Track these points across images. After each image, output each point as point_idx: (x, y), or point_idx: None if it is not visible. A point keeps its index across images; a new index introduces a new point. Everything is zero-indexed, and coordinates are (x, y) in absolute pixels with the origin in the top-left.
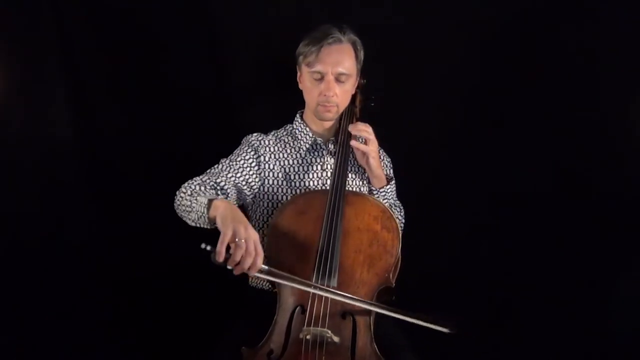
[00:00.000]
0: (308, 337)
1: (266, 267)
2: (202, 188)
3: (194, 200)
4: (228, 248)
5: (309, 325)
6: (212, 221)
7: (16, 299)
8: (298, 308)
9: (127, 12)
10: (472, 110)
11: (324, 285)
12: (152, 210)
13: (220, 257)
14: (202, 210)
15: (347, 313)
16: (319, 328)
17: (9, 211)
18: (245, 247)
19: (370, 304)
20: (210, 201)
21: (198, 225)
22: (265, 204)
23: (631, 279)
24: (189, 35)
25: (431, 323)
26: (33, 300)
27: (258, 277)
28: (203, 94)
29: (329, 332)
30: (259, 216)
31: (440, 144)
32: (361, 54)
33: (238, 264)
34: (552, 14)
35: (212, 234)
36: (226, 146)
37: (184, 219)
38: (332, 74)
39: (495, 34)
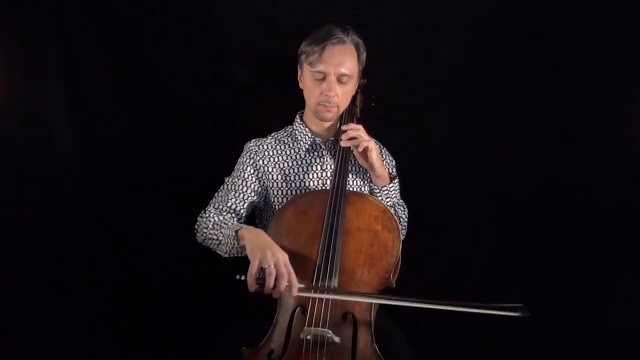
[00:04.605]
0: (309, 337)
1: (303, 286)
2: (220, 217)
3: (219, 233)
4: (262, 275)
5: (309, 325)
6: (244, 249)
7: (16, 300)
8: (298, 308)
9: (127, 13)
10: (472, 110)
11: (324, 286)
12: (152, 211)
13: (251, 287)
14: (232, 243)
15: (347, 313)
16: (319, 328)
17: (9, 212)
18: (275, 272)
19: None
20: (236, 232)
21: (232, 255)
22: (269, 207)
23: (631, 279)
24: (189, 36)
25: (499, 310)
26: (33, 301)
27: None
28: (203, 94)
29: (330, 332)
30: (266, 220)
31: (441, 144)
32: (363, 56)
33: (274, 288)
34: (554, 15)
35: None
36: (227, 146)
37: (216, 251)
38: (334, 74)
39: (497, 35)
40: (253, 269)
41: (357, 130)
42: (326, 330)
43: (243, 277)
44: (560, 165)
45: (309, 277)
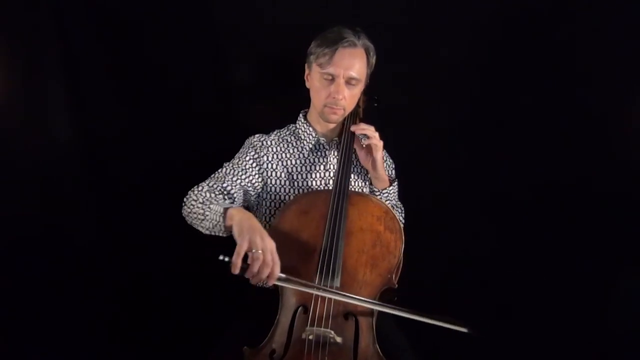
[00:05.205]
0: (311, 337)
1: (284, 276)
2: (212, 195)
3: (206, 208)
4: (246, 258)
5: (311, 325)
6: (228, 230)
7: (16, 300)
8: (300, 308)
9: (127, 13)
10: (473, 110)
11: (327, 286)
12: (152, 211)
13: (236, 269)
14: (218, 219)
15: (349, 313)
16: (321, 328)
17: (9, 212)
18: (262, 258)
19: (390, 308)
20: (225, 210)
21: (212, 233)
22: (268, 204)
23: (631, 279)
24: (189, 36)
25: (450, 323)
26: (33, 301)
27: (276, 285)
28: (203, 94)
29: (332, 332)
30: (262, 216)
31: (441, 144)
32: (373, 60)
33: (256, 274)
34: (554, 15)
35: (217, 239)
36: (227, 146)
37: (196, 226)
38: (343, 77)
39: (497, 35)
40: (241, 249)
41: (372, 132)
42: (328, 330)
43: (227, 259)
44: (560, 165)
45: (311, 276)
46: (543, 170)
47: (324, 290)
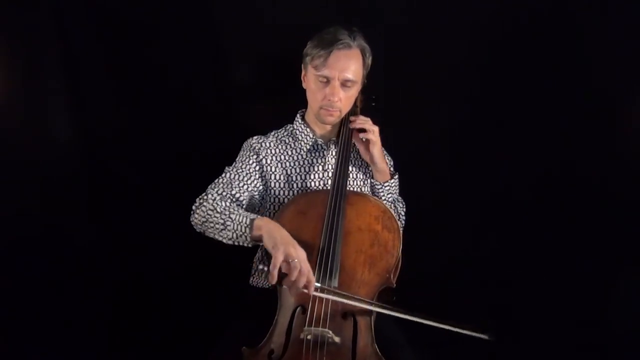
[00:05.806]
0: (309, 337)
1: (319, 284)
2: (227, 203)
3: (227, 218)
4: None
5: (309, 325)
6: (255, 240)
7: (16, 300)
8: (299, 308)
9: (127, 13)
10: (473, 110)
11: (325, 286)
12: (152, 211)
13: (273, 279)
14: (243, 230)
15: (347, 313)
16: (320, 328)
17: (9, 212)
18: (299, 267)
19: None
20: (252, 220)
21: (235, 243)
22: (269, 206)
23: (631, 279)
24: (189, 36)
25: (469, 330)
26: (33, 301)
27: (316, 295)
28: (203, 94)
29: (330, 332)
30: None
31: (441, 144)
32: (369, 60)
33: (293, 283)
34: (554, 15)
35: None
36: (227, 146)
37: (211, 235)
38: (338, 79)
39: (497, 35)
40: (277, 261)
41: (369, 126)
42: (326, 330)
43: (266, 268)
44: (560, 165)
45: None
46: (543, 170)
47: (354, 299)
